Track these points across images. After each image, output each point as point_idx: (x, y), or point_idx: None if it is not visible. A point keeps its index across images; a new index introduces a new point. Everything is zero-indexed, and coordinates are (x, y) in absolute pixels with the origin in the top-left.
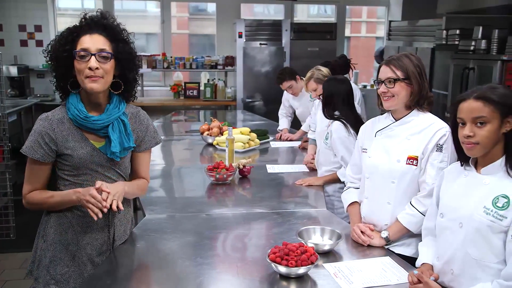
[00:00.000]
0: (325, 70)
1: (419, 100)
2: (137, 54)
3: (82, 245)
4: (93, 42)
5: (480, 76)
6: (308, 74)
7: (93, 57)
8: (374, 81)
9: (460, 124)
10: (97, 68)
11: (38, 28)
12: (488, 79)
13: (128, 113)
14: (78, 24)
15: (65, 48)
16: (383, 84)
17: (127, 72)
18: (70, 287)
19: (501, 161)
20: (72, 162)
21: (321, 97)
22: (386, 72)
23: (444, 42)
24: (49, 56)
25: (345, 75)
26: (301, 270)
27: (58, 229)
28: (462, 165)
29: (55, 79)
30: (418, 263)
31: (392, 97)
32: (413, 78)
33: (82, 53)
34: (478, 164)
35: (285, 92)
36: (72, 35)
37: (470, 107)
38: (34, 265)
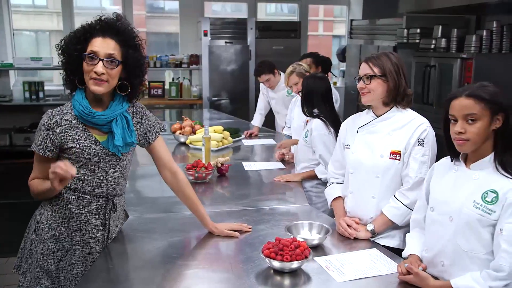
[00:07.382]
0: (305, 64)
1: (396, 97)
2: (146, 61)
3: (76, 242)
4: (103, 45)
5: (441, 73)
6: (290, 69)
7: (100, 62)
8: (354, 78)
9: (452, 121)
10: (102, 73)
11: None
12: (449, 76)
13: (129, 111)
14: (93, 24)
15: (76, 47)
16: (361, 80)
17: (133, 78)
18: (60, 281)
19: (490, 157)
20: (75, 154)
21: (300, 94)
22: (364, 69)
23: (405, 40)
24: (61, 50)
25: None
26: (295, 264)
27: (53, 224)
28: (452, 161)
29: (64, 73)
30: (405, 253)
31: (368, 93)
32: (389, 76)
33: (91, 55)
34: (467, 159)
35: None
36: (85, 35)
37: (461, 104)
38: (23, 260)
